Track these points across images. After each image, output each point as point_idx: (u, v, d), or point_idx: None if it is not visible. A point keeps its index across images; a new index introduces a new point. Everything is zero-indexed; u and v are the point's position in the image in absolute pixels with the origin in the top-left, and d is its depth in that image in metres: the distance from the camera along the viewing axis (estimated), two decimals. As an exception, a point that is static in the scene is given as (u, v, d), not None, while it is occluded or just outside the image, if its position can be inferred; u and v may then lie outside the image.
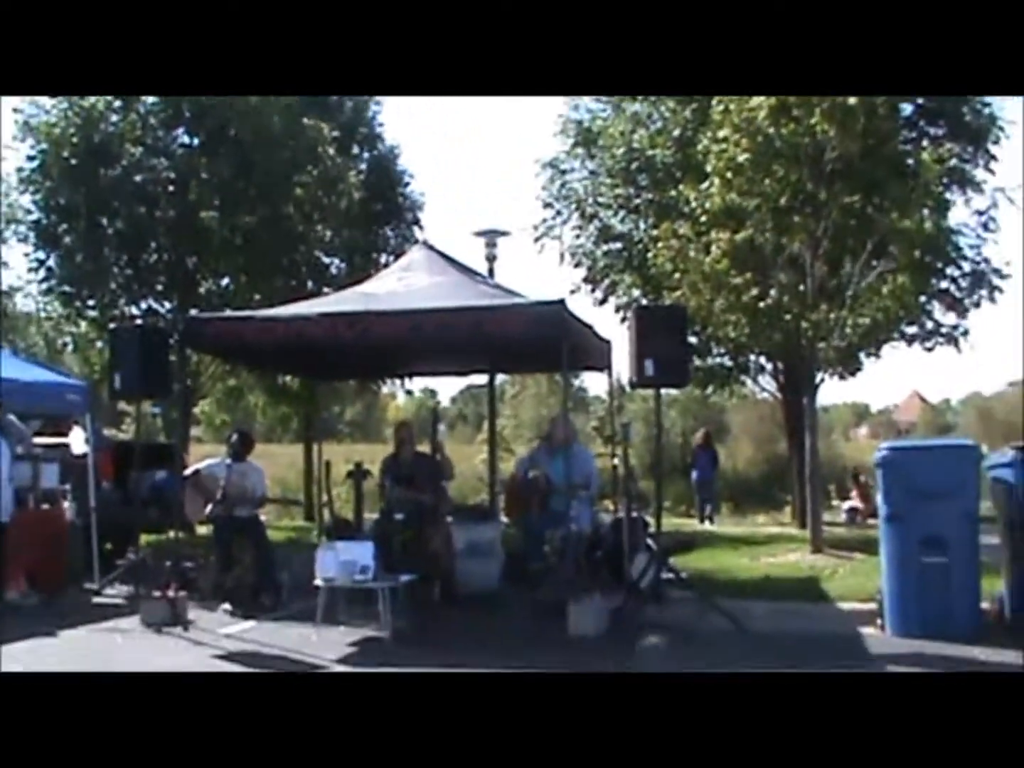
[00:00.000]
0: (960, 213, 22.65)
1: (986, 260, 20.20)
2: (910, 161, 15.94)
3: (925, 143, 17.34)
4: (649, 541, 11.33)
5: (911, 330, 20.35)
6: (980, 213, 19.79)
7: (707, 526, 23.04)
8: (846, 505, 23.65)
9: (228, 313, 12.84)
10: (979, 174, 20.14)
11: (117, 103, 20.05)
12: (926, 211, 15.64)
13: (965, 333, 20.74)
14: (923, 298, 18.95)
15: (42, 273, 21.05)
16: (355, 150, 24.47)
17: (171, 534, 12.28)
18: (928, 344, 20.85)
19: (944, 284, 20.31)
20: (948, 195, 18.04)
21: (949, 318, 20.85)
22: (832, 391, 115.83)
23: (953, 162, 17.38)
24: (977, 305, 20.45)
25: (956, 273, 20.38)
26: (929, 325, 20.81)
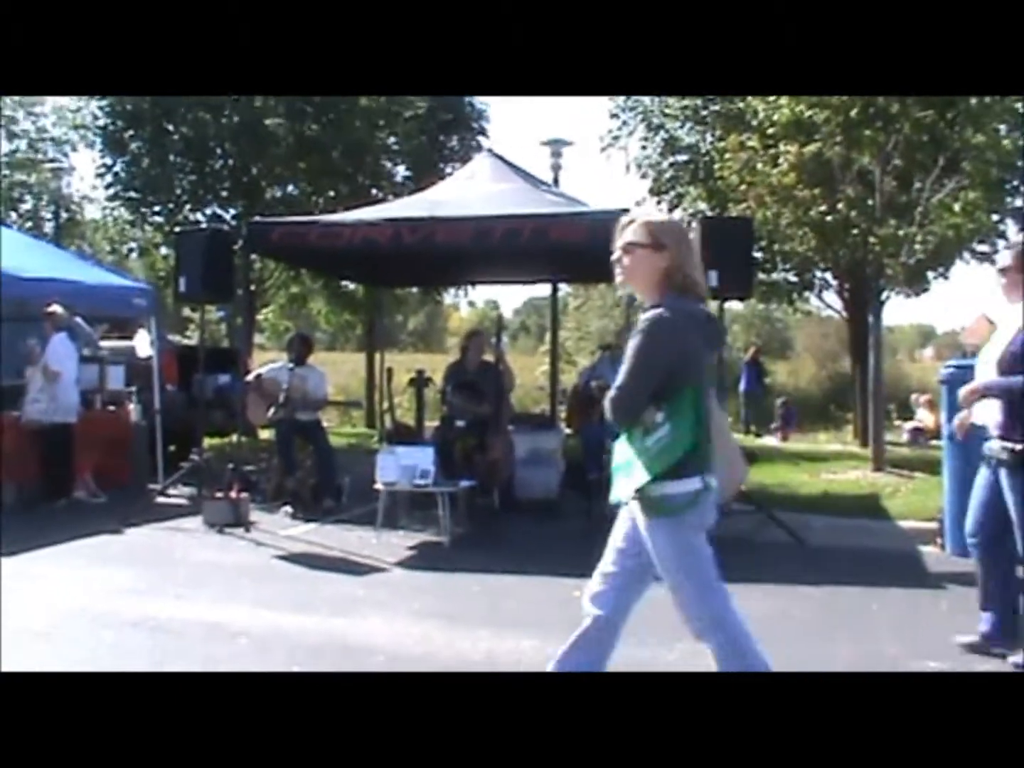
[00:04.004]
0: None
1: (1065, 179, 19.73)
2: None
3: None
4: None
5: (982, 248, 20.04)
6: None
7: (764, 441, 23.04)
8: (909, 425, 23.45)
9: (293, 218, 12.82)
10: (1061, 90, 19.58)
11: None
12: (1003, 126, 15.29)
13: (1039, 254, 20.36)
14: (996, 216, 18.60)
15: (108, 179, 21.23)
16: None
17: (234, 437, 12.44)
18: (1000, 265, 20.51)
19: (1019, 202, 19.91)
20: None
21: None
22: (898, 312, 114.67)
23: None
24: (1053, 225, 20.05)
25: (1032, 191, 19.97)
26: (1001, 245, 20.46)
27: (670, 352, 4.12)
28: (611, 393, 4.20)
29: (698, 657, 4.41)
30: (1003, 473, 5.83)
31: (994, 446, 5.86)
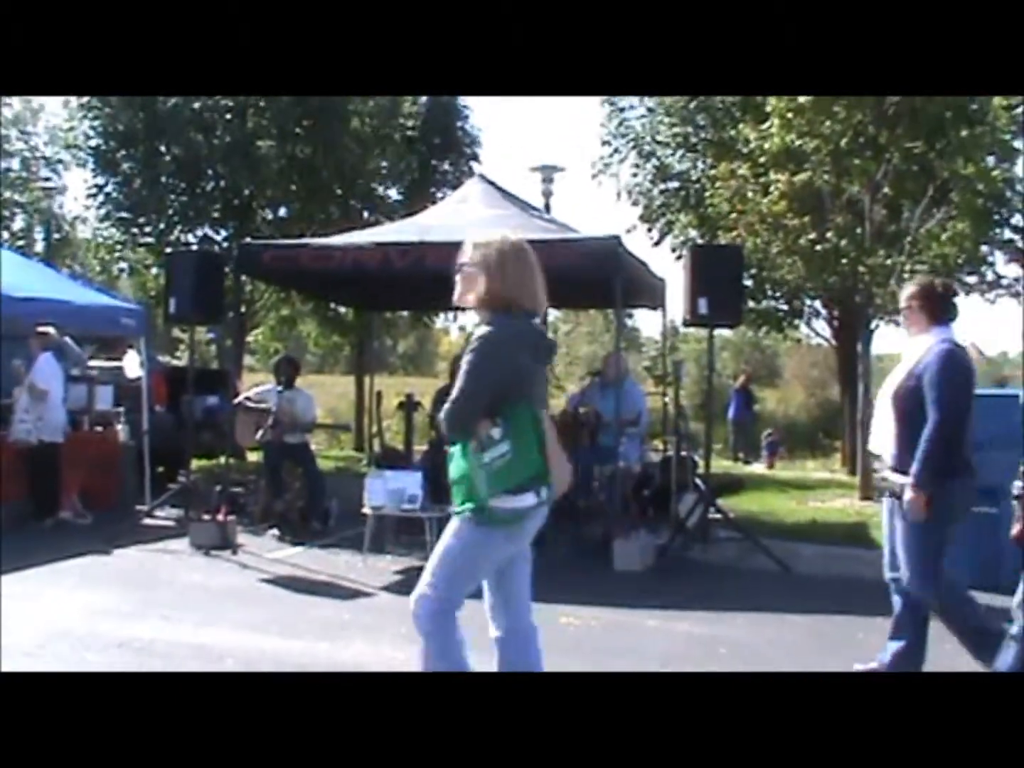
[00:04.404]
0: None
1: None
2: (975, 106, 15.60)
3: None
4: (697, 481, 11.31)
5: (971, 280, 20.10)
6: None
7: (751, 468, 23.06)
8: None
9: (283, 240, 12.83)
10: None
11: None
12: (991, 158, 15.37)
13: (1028, 286, 20.44)
14: (985, 248, 18.68)
15: (100, 199, 21.23)
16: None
17: (222, 459, 12.41)
18: (989, 296, 20.58)
19: (1007, 233, 19.99)
20: (1016, 143, 17.68)
21: (1012, 270, 20.55)
22: (887, 340, 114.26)
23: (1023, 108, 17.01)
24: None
25: (1022, 223, 20.03)
26: (990, 276, 20.53)
27: (501, 369, 4.25)
28: (445, 407, 4.32)
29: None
30: (897, 505, 5.77)
31: (889, 477, 5.80)
